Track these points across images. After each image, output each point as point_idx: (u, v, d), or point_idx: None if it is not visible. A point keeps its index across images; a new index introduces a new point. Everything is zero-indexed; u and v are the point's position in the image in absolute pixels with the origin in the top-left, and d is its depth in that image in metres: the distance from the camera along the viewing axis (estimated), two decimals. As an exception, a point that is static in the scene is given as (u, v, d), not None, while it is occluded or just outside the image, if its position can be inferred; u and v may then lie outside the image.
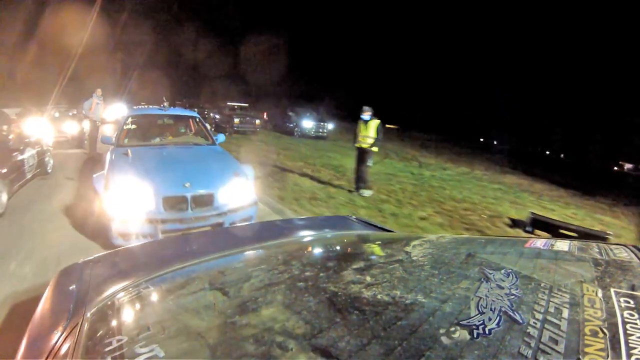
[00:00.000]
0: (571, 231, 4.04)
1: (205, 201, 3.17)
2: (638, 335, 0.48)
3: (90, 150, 7.65)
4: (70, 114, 9.32)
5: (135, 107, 7.45)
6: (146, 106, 8.14)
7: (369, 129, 5.35)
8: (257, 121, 14.29)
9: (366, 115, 5.40)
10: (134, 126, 4.98)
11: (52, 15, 17.50)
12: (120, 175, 3.18)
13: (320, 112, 16.45)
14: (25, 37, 17.22)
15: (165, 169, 3.41)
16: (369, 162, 5.49)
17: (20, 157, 4.60)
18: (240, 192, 3.39)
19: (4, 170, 4.03)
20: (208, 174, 3.40)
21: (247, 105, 15.98)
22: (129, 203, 2.98)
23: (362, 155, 5.46)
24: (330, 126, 15.58)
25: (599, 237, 3.77)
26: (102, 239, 3.06)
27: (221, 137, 4.68)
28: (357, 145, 5.51)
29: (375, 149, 5.41)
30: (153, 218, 2.96)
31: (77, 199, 4.56)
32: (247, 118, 13.98)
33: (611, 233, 4.00)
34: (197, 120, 5.10)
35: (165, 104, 4.98)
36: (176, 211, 3.06)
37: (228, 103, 15.41)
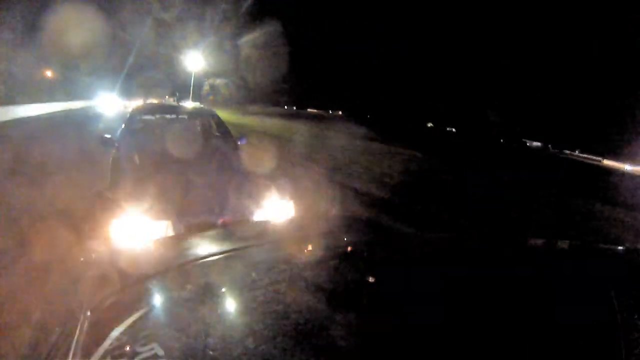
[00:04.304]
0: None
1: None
2: (638, 335, 0.48)
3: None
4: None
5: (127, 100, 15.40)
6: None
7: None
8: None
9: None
10: (143, 119, 5.71)
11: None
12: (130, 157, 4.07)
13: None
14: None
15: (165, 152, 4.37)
16: None
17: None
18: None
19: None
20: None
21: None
22: (139, 176, 3.75)
23: None
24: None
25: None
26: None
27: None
28: None
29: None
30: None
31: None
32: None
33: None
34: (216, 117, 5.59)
35: (168, 98, 6.11)
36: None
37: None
